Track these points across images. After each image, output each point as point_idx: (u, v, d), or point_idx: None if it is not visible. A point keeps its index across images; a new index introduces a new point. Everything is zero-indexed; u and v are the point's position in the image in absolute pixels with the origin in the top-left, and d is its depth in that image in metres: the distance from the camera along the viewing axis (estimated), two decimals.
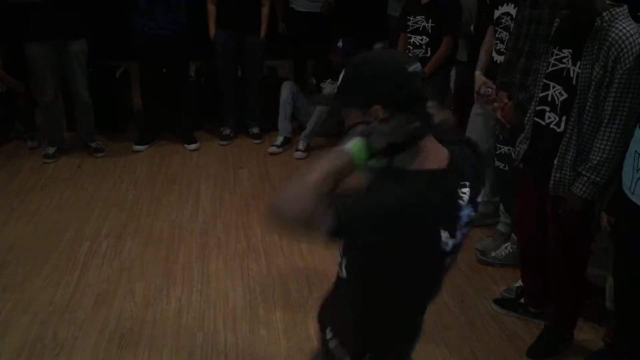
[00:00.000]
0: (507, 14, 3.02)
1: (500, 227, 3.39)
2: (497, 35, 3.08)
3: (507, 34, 3.01)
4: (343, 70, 1.40)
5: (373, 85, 1.34)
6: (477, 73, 3.21)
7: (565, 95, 2.18)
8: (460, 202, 1.31)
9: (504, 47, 3.02)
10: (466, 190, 1.33)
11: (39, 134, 4.77)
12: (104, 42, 4.76)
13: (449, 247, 1.31)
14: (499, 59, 3.07)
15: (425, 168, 1.30)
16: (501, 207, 3.38)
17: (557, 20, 2.27)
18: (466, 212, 1.34)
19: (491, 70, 3.16)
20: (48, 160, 4.48)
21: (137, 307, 2.84)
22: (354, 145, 1.27)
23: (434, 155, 1.32)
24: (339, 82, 1.39)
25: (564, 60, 2.19)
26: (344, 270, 1.44)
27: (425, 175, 1.29)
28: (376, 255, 1.30)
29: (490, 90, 3.10)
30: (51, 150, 4.54)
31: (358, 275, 1.41)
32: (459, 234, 1.33)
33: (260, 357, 2.53)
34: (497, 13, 3.09)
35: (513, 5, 2.99)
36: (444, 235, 1.29)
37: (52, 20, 4.08)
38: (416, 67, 1.35)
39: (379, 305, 1.41)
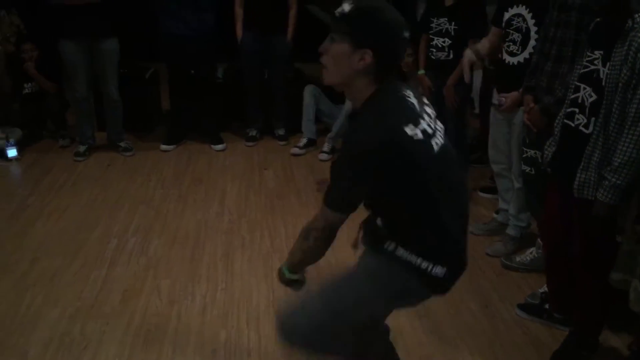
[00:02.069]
0: (519, 15, 3.00)
1: (510, 231, 3.36)
2: (508, 38, 3.06)
3: (519, 35, 2.99)
4: (348, 2, 1.54)
5: (378, 30, 1.51)
6: (469, 51, 3.26)
7: (594, 97, 2.17)
8: (408, 98, 1.58)
9: (516, 48, 3.02)
10: (408, 91, 1.61)
11: (70, 133, 4.88)
12: (134, 44, 4.85)
13: (420, 136, 1.53)
14: (511, 60, 3.06)
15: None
16: (510, 210, 3.35)
17: (593, 22, 2.26)
18: (427, 109, 1.64)
19: (504, 73, 3.14)
20: (79, 159, 4.58)
21: (163, 303, 2.88)
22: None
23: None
24: (342, 10, 1.53)
25: (595, 62, 2.17)
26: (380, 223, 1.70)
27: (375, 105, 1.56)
28: (387, 192, 1.57)
29: (503, 99, 3.09)
30: (82, 148, 4.64)
31: (389, 218, 1.67)
32: (427, 123, 1.58)
33: (283, 356, 2.55)
34: (507, 15, 3.07)
35: (524, 6, 2.97)
36: (408, 129, 1.51)
37: (86, 19, 4.19)
38: (407, 34, 1.57)
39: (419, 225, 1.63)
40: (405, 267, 1.64)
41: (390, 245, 1.67)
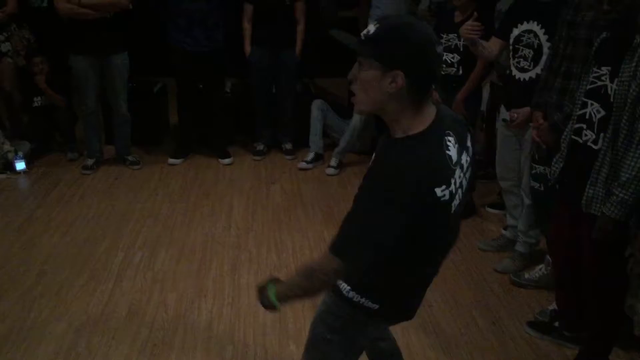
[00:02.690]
0: (530, 31, 3.00)
1: (519, 248, 3.33)
2: (518, 54, 3.06)
3: (531, 51, 3.00)
4: (374, 24, 1.42)
5: (407, 50, 1.38)
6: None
7: (602, 113, 2.17)
8: (447, 151, 1.44)
9: (528, 64, 3.02)
10: (451, 138, 1.46)
11: (78, 146, 4.90)
12: (143, 58, 4.89)
13: (446, 197, 1.41)
14: (522, 76, 3.06)
15: (411, 133, 1.43)
16: (520, 226, 3.33)
17: (598, 39, 2.26)
18: (464, 158, 1.50)
19: (514, 89, 3.14)
20: (86, 172, 4.60)
21: (169, 318, 2.87)
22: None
23: (427, 114, 1.46)
24: (367, 33, 1.42)
25: (603, 78, 2.17)
26: None
27: (409, 143, 1.43)
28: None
29: (515, 114, 3.08)
30: (90, 162, 4.65)
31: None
32: (457, 180, 1.45)
33: None
34: (515, 31, 3.07)
35: (536, 22, 2.97)
36: (438, 190, 1.39)
37: (97, 34, 4.23)
38: (441, 49, 1.44)
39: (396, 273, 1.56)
40: (343, 302, 1.64)
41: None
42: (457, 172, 1.47)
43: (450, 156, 1.44)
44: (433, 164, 1.41)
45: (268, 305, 1.67)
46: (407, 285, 1.64)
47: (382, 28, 1.40)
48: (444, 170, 1.42)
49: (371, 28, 1.41)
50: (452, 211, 1.47)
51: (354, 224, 1.44)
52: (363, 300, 1.60)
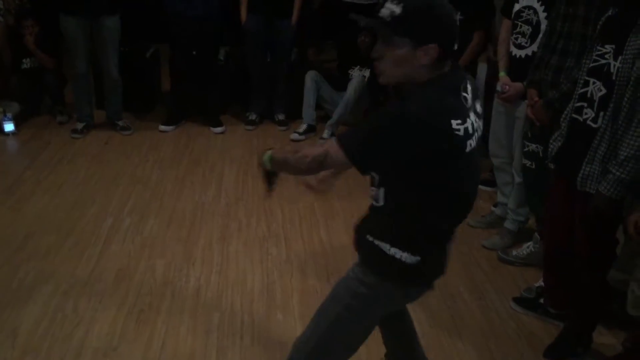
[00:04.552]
0: (530, 7, 2.97)
1: (508, 225, 3.35)
2: (517, 30, 3.03)
3: (529, 27, 2.97)
4: (394, 3, 1.47)
5: (439, 25, 1.48)
6: (502, 74, 3.17)
7: (604, 91, 2.15)
8: (464, 93, 1.52)
9: (525, 41, 2.99)
10: (468, 84, 1.55)
11: (69, 109, 4.85)
12: (136, 23, 4.81)
13: (461, 132, 1.47)
14: (518, 53, 3.03)
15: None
16: (510, 204, 3.34)
17: (604, 16, 2.24)
18: (477, 106, 1.59)
19: (510, 66, 3.11)
20: (76, 136, 4.55)
21: (157, 283, 2.87)
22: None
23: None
24: (393, 13, 1.46)
25: (606, 56, 2.15)
26: (380, 199, 1.62)
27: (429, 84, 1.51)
28: (407, 170, 1.52)
29: (507, 87, 3.07)
30: (80, 126, 4.61)
31: (396, 197, 1.60)
32: (472, 121, 1.52)
33: (275, 340, 2.54)
34: (517, 6, 3.03)
35: None
36: (454, 122, 1.46)
37: None
38: (456, 15, 1.56)
39: (416, 217, 1.60)
40: (381, 262, 1.64)
41: (371, 238, 1.66)
42: (472, 115, 1.53)
43: (466, 97, 1.53)
44: (451, 97, 1.50)
45: (263, 171, 1.78)
46: (440, 234, 1.68)
47: (409, 7, 1.46)
48: (459, 105, 1.50)
49: (395, 8, 1.46)
50: (467, 151, 1.52)
51: (369, 122, 1.53)
52: (405, 255, 1.60)
